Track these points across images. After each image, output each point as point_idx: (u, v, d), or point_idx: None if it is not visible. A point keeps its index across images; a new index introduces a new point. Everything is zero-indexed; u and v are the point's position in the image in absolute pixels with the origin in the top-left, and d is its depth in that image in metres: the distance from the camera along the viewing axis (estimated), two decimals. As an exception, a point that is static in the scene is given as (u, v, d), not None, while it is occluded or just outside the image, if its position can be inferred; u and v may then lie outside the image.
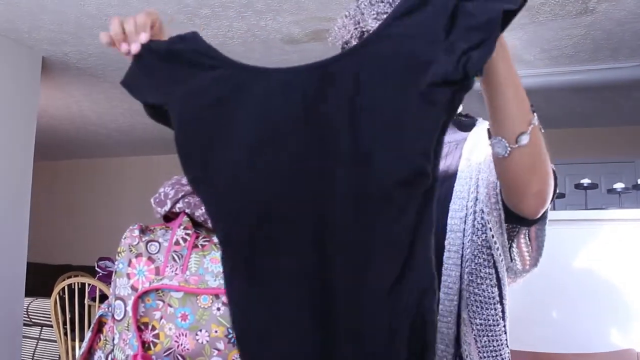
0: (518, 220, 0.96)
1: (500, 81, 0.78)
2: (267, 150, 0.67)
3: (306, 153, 0.66)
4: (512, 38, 3.42)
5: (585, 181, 2.99)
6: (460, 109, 1.10)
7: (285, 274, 0.66)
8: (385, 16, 0.95)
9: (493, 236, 0.96)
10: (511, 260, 1.03)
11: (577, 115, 5.06)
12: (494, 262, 0.97)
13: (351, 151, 0.64)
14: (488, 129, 0.84)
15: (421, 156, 0.62)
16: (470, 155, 1.03)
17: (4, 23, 3.28)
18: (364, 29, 1.01)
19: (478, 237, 0.97)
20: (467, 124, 1.10)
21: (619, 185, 2.86)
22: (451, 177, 1.02)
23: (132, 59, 0.77)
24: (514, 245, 1.03)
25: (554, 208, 3.21)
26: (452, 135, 1.09)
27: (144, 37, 0.77)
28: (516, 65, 3.04)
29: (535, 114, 0.80)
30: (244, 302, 0.67)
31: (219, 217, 0.68)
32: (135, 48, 0.77)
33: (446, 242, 0.97)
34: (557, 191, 0.96)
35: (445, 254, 0.98)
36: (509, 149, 0.79)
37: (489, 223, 0.96)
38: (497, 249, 0.97)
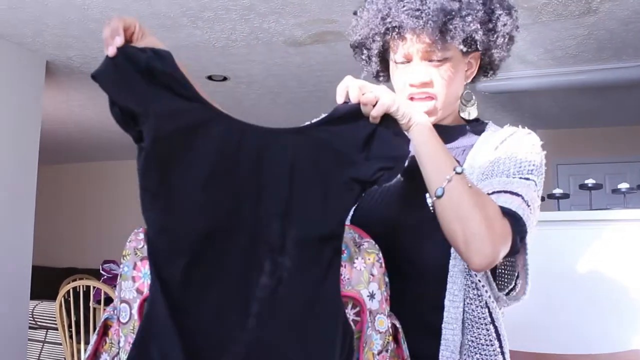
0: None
1: (421, 155, 0.92)
2: (216, 183, 0.80)
3: (247, 194, 0.81)
4: (516, 38, 3.41)
5: (590, 181, 2.98)
6: (475, 114, 1.10)
7: (214, 288, 0.77)
8: (417, 12, 0.96)
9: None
10: (499, 289, 1.02)
11: (581, 115, 5.05)
12: (477, 286, 0.97)
13: (287, 204, 0.81)
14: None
15: (338, 225, 0.83)
16: (472, 162, 1.03)
17: (8, 27, 3.30)
18: (391, 25, 1.00)
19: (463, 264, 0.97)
20: (477, 130, 1.10)
21: (623, 186, 2.85)
22: None
23: (106, 58, 0.83)
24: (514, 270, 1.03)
25: (558, 208, 3.20)
26: (461, 140, 1.09)
27: (118, 41, 0.81)
28: (520, 65, 3.06)
29: (455, 170, 0.89)
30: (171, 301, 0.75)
31: (167, 228, 0.78)
32: (111, 51, 0.81)
33: (452, 249, 0.97)
34: (522, 241, 0.95)
35: (451, 262, 0.97)
36: (430, 202, 0.91)
37: None
38: (479, 280, 0.96)
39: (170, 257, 0.76)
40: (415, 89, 1.03)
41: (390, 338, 0.85)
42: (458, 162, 0.93)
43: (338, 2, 2.96)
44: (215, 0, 2.99)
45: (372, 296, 0.82)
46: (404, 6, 0.98)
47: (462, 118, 1.13)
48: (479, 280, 0.96)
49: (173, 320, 0.73)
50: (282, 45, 3.54)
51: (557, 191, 3.05)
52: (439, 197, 0.88)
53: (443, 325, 0.96)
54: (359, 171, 0.84)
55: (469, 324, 0.96)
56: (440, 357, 0.95)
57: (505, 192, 0.93)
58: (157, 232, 0.78)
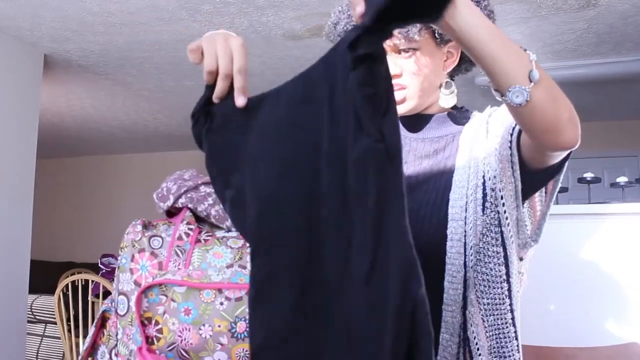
0: (544, 175, 0.96)
1: (485, 38, 0.74)
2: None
3: (300, 154, 0.70)
4: (514, 32, 3.41)
5: (588, 175, 2.98)
6: (454, 102, 1.11)
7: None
8: None
9: (505, 211, 0.96)
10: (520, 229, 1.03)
11: (580, 109, 5.01)
12: (503, 240, 0.97)
13: (330, 151, 0.67)
14: (495, 91, 0.81)
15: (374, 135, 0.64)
16: (471, 145, 1.03)
17: (6, 20, 3.28)
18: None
19: (487, 215, 0.97)
20: (462, 117, 1.11)
21: (622, 179, 2.86)
22: (450, 168, 1.03)
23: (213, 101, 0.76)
24: (526, 205, 1.03)
25: (557, 202, 3.21)
26: (447, 128, 1.10)
27: (242, 101, 0.77)
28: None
29: (526, 51, 0.78)
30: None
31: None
32: (241, 102, 0.77)
33: (448, 231, 0.98)
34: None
35: (448, 243, 0.98)
36: (527, 91, 0.76)
37: (502, 199, 0.97)
38: (508, 224, 0.97)
39: None
40: None
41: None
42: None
43: (337, -5, 2.95)
44: (214, -7, 2.98)
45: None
46: None
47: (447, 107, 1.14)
48: (508, 231, 0.96)
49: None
50: (280, 39, 3.53)
51: (556, 185, 3.05)
52: (536, 81, 0.76)
53: (443, 307, 0.97)
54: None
55: (485, 285, 0.96)
56: (440, 339, 0.96)
57: None
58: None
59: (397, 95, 1.06)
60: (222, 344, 0.76)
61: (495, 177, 0.98)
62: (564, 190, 3.04)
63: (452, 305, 0.96)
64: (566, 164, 0.97)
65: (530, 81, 0.76)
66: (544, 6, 3.10)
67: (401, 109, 1.07)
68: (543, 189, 1.03)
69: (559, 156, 0.93)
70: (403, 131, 1.13)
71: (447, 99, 1.10)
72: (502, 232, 0.97)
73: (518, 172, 0.96)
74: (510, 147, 0.96)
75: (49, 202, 6.96)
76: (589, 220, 2.23)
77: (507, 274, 0.98)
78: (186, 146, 6.68)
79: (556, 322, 2.14)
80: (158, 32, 3.45)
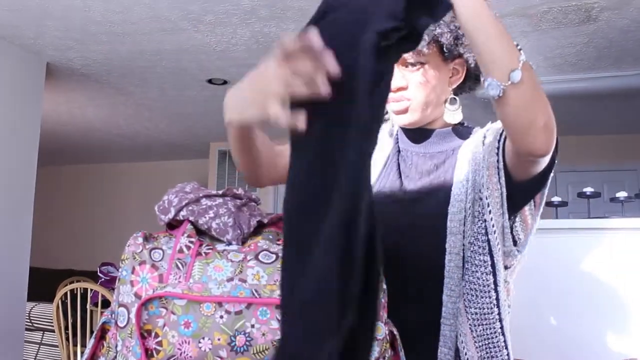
0: (528, 186, 0.97)
1: (480, 24, 0.78)
2: None
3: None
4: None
5: (588, 189, 2.99)
6: (460, 118, 1.11)
7: None
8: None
9: (492, 219, 0.97)
10: (513, 241, 1.02)
11: (580, 123, 5.06)
12: (490, 248, 0.97)
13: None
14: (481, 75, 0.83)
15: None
16: (469, 159, 1.04)
17: (10, 28, 3.30)
18: None
19: (475, 224, 0.98)
20: (465, 133, 1.12)
21: (621, 194, 2.86)
22: (449, 182, 1.04)
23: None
24: (517, 219, 1.03)
25: (556, 216, 3.20)
26: (449, 144, 1.11)
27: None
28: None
29: (521, 51, 0.81)
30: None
31: None
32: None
33: (447, 245, 0.99)
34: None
35: (447, 257, 0.98)
36: (501, 87, 0.79)
37: (488, 206, 0.97)
38: (494, 232, 0.97)
39: None
40: (392, 94, 1.06)
41: (388, 345, 0.85)
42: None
43: (339, 8, 2.97)
44: (217, 4, 2.99)
45: (369, 303, 0.82)
46: None
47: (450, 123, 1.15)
48: (495, 238, 0.97)
49: None
50: (282, 50, 3.55)
51: (556, 199, 3.05)
52: (516, 82, 0.78)
53: (441, 321, 0.98)
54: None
55: (473, 294, 0.96)
56: (438, 353, 0.96)
57: None
58: None
59: (400, 105, 1.07)
60: (221, 357, 0.76)
61: (483, 184, 0.99)
62: (563, 204, 3.04)
63: (450, 319, 0.97)
64: (549, 176, 0.98)
65: (509, 80, 0.78)
66: (544, 20, 3.12)
67: (403, 120, 1.08)
68: (532, 202, 1.04)
69: (537, 165, 0.94)
70: (407, 143, 1.14)
71: (452, 115, 1.10)
72: (488, 240, 0.97)
73: (503, 178, 0.97)
74: (497, 154, 0.98)
75: (50, 209, 6.96)
76: (588, 235, 2.23)
77: (495, 282, 0.98)
78: (187, 155, 6.70)
79: (556, 337, 2.14)
80: (160, 42, 3.47)
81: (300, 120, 0.64)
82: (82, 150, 6.59)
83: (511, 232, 1.01)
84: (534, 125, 0.83)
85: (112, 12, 3.07)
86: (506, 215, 0.98)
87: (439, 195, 1.03)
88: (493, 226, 0.97)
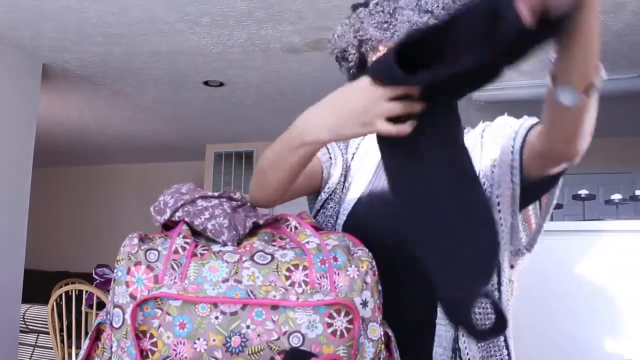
0: (539, 186, 0.97)
1: (589, 29, 0.70)
2: None
3: None
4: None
5: (583, 192, 3.00)
6: None
7: None
8: (385, 25, 0.99)
9: (501, 217, 0.97)
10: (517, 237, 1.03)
11: (575, 126, 5.08)
12: None
13: None
14: (553, 76, 0.78)
15: None
16: None
17: (6, 30, 3.29)
18: (362, 38, 1.04)
19: None
20: None
21: (616, 197, 2.88)
22: None
23: None
24: (520, 218, 1.03)
25: (551, 219, 3.22)
26: None
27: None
28: (516, 75, 3.07)
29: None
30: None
31: None
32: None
33: None
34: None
35: None
36: (577, 99, 0.75)
37: (498, 205, 0.97)
38: (502, 231, 0.97)
39: None
40: None
41: (383, 346, 0.85)
42: None
43: (335, 10, 2.97)
44: (213, 6, 3.00)
45: (365, 304, 0.82)
46: (373, 19, 1.02)
47: None
48: (502, 237, 0.97)
49: None
50: (278, 52, 3.55)
51: (551, 201, 3.07)
52: (591, 96, 0.75)
53: (437, 321, 0.97)
54: None
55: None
56: (433, 353, 0.96)
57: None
58: None
59: None
60: (216, 358, 0.76)
61: (492, 185, 0.99)
62: (559, 206, 3.06)
63: (446, 320, 0.97)
64: (561, 178, 0.98)
65: (588, 94, 0.75)
66: (540, 24, 3.13)
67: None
68: (537, 202, 1.04)
69: (558, 167, 0.94)
70: None
71: None
72: None
73: (518, 176, 0.96)
74: (512, 152, 0.97)
75: (45, 211, 6.94)
76: (583, 237, 2.24)
77: (499, 282, 0.98)
78: (183, 157, 6.69)
79: (551, 338, 2.14)
80: (157, 44, 3.47)
81: (406, 130, 0.79)
82: (78, 151, 6.58)
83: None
84: (585, 134, 0.81)
85: (108, 13, 3.07)
86: (517, 215, 0.98)
87: None
88: (502, 225, 0.97)
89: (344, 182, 1.14)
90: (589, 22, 0.69)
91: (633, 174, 5.27)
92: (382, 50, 1.02)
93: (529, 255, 1.04)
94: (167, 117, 5.09)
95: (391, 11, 1.01)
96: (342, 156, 1.15)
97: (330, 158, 1.14)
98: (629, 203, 2.96)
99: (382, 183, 1.12)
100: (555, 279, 2.20)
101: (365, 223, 1.04)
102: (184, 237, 0.86)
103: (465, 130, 1.13)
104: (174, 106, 4.75)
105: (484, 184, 1.00)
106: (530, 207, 1.04)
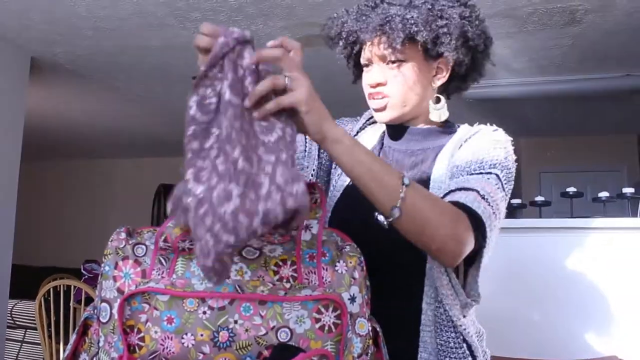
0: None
1: (356, 178, 0.85)
2: None
3: None
4: (500, 47, 3.45)
5: (571, 189, 3.01)
6: (446, 117, 1.11)
7: None
8: (363, 17, 1.05)
9: (438, 278, 0.97)
10: (465, 287, 1.00)
11: (565, 124, 5.11)
12: (445, 309, 0.98)
13: None
14: None
15: None
16: (447, 160, 1.04)
17: (-7, 22, 3.26)
18: (345, 30, 1.08)
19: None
20: (450, 132, 1.12)
21: (603, 194, 2.89)
22: (427, 181, 1.03)
23: None
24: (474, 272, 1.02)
25: (540, 216, 3.23)
26: (430, 142, 1.11)
27: None
28: (505, 73, 3.07)
29: (404, 185, 0.84)
30: None
31: None
32: None
33: None
34: (483, 236, 0.93)
35: (427, 265, 0.98)
36: (385, 223, 0.85)
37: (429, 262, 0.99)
38: (442, 285, 0.97)
39: None
40: (372, 89, 1.08)
41: (371, 342, 0.85)
42: (398, 171, 0.89)
43: (326, 6, 2.97)
44: (204, 1, 2.98)
45: (353, 299, 0.83)
46: (356, 12, 1.07)
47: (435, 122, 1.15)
48: (444, 298, 0.96)
49: None
50: (269, 48, 3.54)
51: (539, 199, 3.08)
52: (395, 218, 0.83)
53: (421, 327, 0.98)
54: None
55: (437, 327, 0.97)
56: (418, 358, 0.96)
57: (460, 189, 0.94)
58: None
59: (379, 103, 1.07)
60: (204, 353, 0.76)
61: None
62: (547, 204, 3.07)
63: (430, 326, 0.97)
64: (483, 251, 0.95)
65: (390, 217, 0.84)
66: (529, 22, 3.15)
67: (383, 117, 1.08)
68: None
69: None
70: (389, 140, 1.14)
71: (438, 114, 1.10)
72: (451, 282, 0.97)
73: None
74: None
75: (33, 206, 6.89)
76: (571, 234, 2.25)
77: (452, 321, 0.97)
78: (173, 152, 6.65)
79: (538, 335, 2.16)
80: (147, 38, 3.45)
81: None
82: (67, 146, 6.53)
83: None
84: (429, 249, 0.89)
85: (97, 6, 3.04)
86: (452, 273, 0.96)
87: None
88: (440, 287, 0.96)
89: (322, 175, 1.14)
90: (347, 165, 0.84)
91: (621, 172, 5.32)
92: (370, 42, 1.06)
93: (476, 305, 1.02)
94: (157, 112, 5.06)
95: (374, 5, 1.05)
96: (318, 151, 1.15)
97: (305, 150, 1.14)
98: (617, 201, 2.97)
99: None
100: (543, 275, 2.21)
101: (349, 220, 1.04)
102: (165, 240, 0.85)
103: (458, 127, 1.13)
104: (164, 101, 4.73)
105: None
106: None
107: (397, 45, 1.01)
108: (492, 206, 0.93)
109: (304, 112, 0.79)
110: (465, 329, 0.98)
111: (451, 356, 0.96)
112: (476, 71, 1.12)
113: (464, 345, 0.97)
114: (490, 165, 0.98)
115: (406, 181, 0.84)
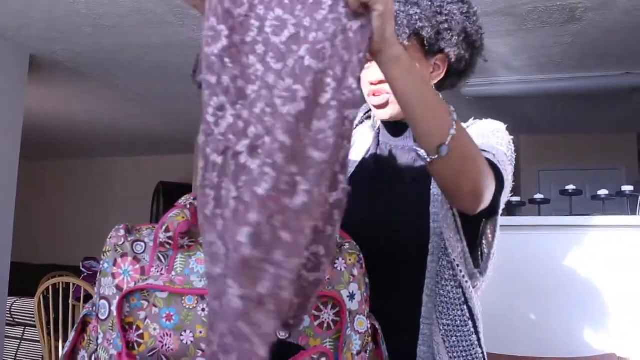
0: (478, 216, 0.97)
1: (405, 101, 0.80)
2: None
3: None
4: (500, 45, 3.45)
5: (570, 187, 3.01)
6: None
7: None
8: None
9: (451, 245, 0.98)
10: (480, 257, 1.03)
11: (564, 122, 5.11)
12: (452, 265, 0.99)
13: None
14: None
15: None
16: None
17: (-8, 20, 3.26)
18: None
19: (437, 242, 0.99)
20: None
21: (602, 192, 2.89)
22: (428, 178, 1.04)
23: None
24: (484, 240, 1.04)
25: (539, 213, 3.24)
26: None
27: None
28: (504, 71, 3.07)
29: (454, 121, 0.81)
30: None
31: None
32: None
33: (430, 246, 0.99)
34: (506, 184, 0.98)
35: (429, 257, 0.99)
36: (428, 160, 0.83)
37: (442, 234, 0.99)
38: (451, 254, 0.98)
39: None
40: (373, 87, 1.07)
41: (370, 339, 0.85)
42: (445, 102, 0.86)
43: (326, 4, 2.96)
44: (203, -1, 2.98)
45: (352, 297, 0.83)
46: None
47: None
48: (454, 260, 0.98)
49: None
50: (269, 45, 3.53)
51: (538, 196, 3.08)
52: (443, 155, 0.80)
53: (421, 320, 0.98)
54: None
55: (444, 307, 0.98)
56: (417, 352, 0.97)
57: (482, 150, 0.95)
58: None
59: (381, 99, 1.07)
60: (203, 350, 0.76)
61: (437, 213, 1.00)
62: (546, 201, 3.07)
63: (429, 319, 0.98)
64: (499, 208, 0.98)
65: (436, 154, 0.80)
66: (529, 20, 3.14)
67: (384, 114, 1.08)
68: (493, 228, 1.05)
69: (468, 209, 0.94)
70: (387, 137, 1.14)
71: None
72: (451, 260, 0.98)
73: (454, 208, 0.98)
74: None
75: (32, 203, 6.88)
76: (570, 232, 2.26)
77: (465, 297, 0.99)
78: (172, 151, 6.66)
79: (536, 332, 2.16)
80: (146, 36, 3.44)
81: None
82: (67, 144, 6.52)
83: (476, 254, 1.02)
84: (459, 193, 0.87)
85: (97, 4, 3.04)
86: (464, 242, 0.99)
87: (420, 192, 1.03)
88: (452, 252, 0.98)
89: None
90: (404, 89, 0.78)
91: (620, 170, 5.32)
92: None
93: (483, 279, 1.04)
94: (157, 110, 5.06)
95: None
96: None
97: None
98: (616, 199, 2.97)
99: (368, 171, 1.11)
100: (542, 273, 2.22)
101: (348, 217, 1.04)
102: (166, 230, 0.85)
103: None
104: (164, 99, 4.72)
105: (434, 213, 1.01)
106: (489, 232, 1.05)
107: (403, 41, 1.01)
108: (506, 170, 0.97)
109: (379, 12, 0.70)
110: (474, 305, 0.99)
111: (457, 335, 0.97)
112: (473, 67, 1.13)
113: (470, 322, 0.98)
114: (493, 146, 1.00)
115: (455, 116, 0.82)
